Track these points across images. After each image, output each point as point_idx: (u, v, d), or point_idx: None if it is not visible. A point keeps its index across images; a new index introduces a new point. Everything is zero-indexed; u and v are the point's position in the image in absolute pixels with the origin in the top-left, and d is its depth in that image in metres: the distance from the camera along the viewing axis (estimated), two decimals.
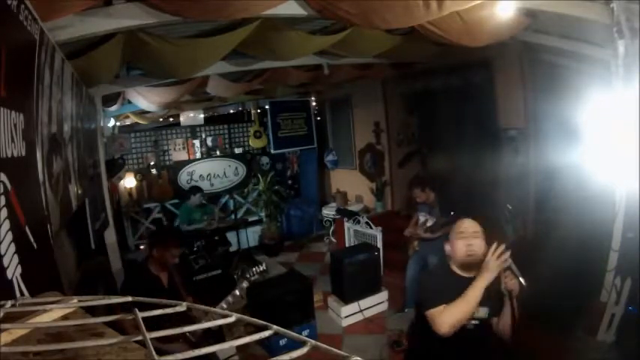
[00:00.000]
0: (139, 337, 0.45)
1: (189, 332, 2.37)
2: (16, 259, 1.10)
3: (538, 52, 3.98)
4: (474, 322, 1.81)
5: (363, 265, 4.14)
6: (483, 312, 1.82)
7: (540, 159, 4.30)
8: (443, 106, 5.66)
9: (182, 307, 0.55)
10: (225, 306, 2.54)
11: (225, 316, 0.51)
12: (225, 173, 6.80)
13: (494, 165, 4.79)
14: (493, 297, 1.81)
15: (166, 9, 2.12)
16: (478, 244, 1.81)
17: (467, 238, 1.82)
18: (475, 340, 1.81)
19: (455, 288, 1.77)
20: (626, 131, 2.43)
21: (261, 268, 2.77)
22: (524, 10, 2.79)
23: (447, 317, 1.73)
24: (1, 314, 0.51)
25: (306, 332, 3.78)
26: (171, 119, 7.08)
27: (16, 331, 0.55)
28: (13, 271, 1.08)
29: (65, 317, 0.62)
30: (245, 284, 2.63)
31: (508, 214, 4.43)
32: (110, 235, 3.79)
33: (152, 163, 6.32)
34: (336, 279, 4.26)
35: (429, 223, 4.00)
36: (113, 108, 4.71)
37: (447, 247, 1.90)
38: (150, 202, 6.24)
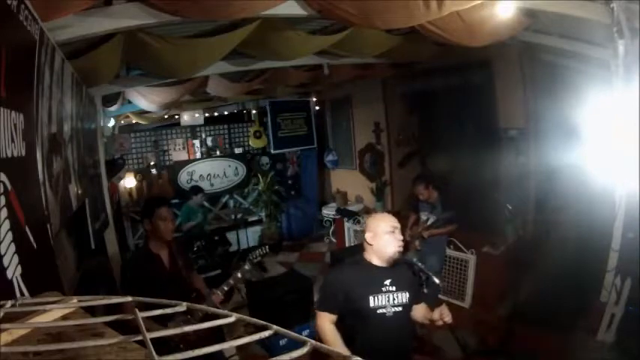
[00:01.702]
0: (139, 337, 0.45)
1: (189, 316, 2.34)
2: (16, 259, 1.10)
3: (538, 52, 3.98)
4: (395, 309, 1.90)
5: None
6: (405, 297, 1.92)
7: (540, 159, 4.30)
8: (443, 106, 5.65)
9: (182, 307, 0.55)
10: (226, 288, 2.54)
11: (225, 316, 0.51)
12: (225, 173, 6.80)
13: (495, 165, 4.78)
14: (413, 283, 1.98)
15: (166, 9, 2.12)
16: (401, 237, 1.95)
17: (396, 233, 1.91)
18: (395, 327, 1.90)
19: (379, 278, 1.91)
20: (626, 131, 2.43)
21: (265, 251, 2.74)
22: (524, 10, 2.79)
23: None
24: (1, 314, 0.51)
25: (306, 332, 3.77)
26: (171, 119, 7.08)
27: (16, 331, 0.55)
28: (13, 271, 1.08)
29: (65, 317, 0.62)
30: (247, 266, 2.61)
31: (508, 214, 4.43)
32: (110, 235, 3.79)
33: (152, 163, 6.32)
34: None
35: (430, 223, 4.00)
36: (113, 108, 4.71)
37: (370, 242, 1.95)
38: None
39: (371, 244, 1.95)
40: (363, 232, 2.04)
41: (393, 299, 1.90)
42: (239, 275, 2.57)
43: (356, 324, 1.89)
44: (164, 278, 2.38)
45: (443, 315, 1.91)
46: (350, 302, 1.88)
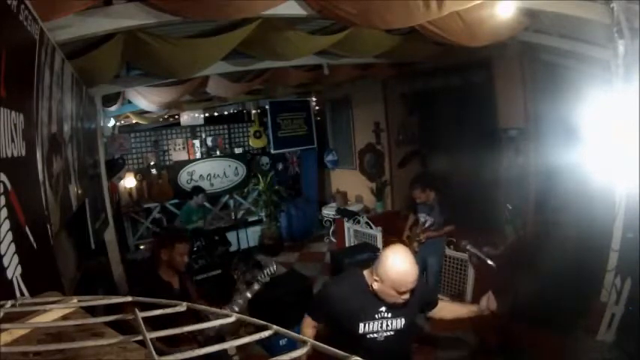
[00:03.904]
0: (139, 337, 0.45)
1: (198, 334, 2.35)
2: (16, 259, 1.10)
3: (538, 52, 3.98)
4: (387, 333, 1.81)
5: (363, 265, 4.14)
6: (400, 323, 1.83)
7: (540, 159, 4.30)
8: (443, 106, 5.66)
9: (182, 307, 0.54)
10: (236, 309, 2.49)
11: (225, 316, 0.51)
12: (225, 173, 6.80)
13: (495, 165, 4.78)
14: (413, 306, 1.85)
15: (166, 9, 2.12)
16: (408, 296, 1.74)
17: (403, 293, 1.72)
18: (386, 350, 1.82)
19: (375, 305, 1.80)
20: (626, 131, 2.43)
21: (273, 270, 2.70)
22: (524, 10, 2.79)
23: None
24: (1, 314, 0.51)
25: None
26: (171, 119, 7.08)
27: (16, 331, 0.55)
28: (13, 271, 1.08)
29: (65, 317, 0.62)
30: (257, 286, 2.61)
31: (508, 214, 4.43)
32: (110, 235, 3.79)
33: (152, 163, 6.32)
34: None
35: (428, 224, 4.00)
36: (113, 108, 4.71)
37: (373, 286, 1.79)
38: (150, 202, 6.24)
39: (373, 287, 1.78)
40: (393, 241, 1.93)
41: (387, 325, 1.81)
42: (248, 295, 2.57)
43: (344, 344, 1.84)
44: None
45: (490, 303, 1.85)
46: (340, 323, 1.82)
